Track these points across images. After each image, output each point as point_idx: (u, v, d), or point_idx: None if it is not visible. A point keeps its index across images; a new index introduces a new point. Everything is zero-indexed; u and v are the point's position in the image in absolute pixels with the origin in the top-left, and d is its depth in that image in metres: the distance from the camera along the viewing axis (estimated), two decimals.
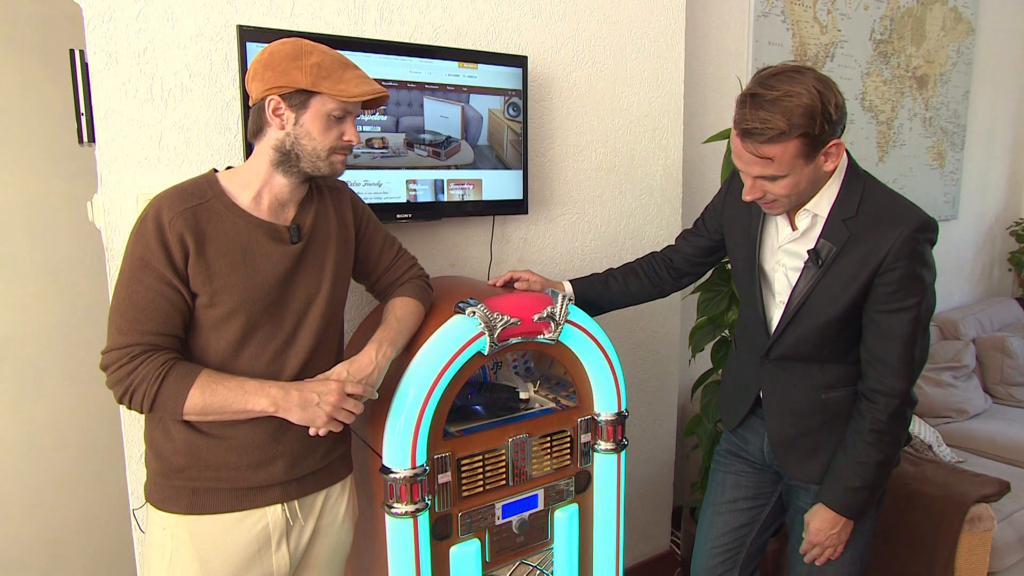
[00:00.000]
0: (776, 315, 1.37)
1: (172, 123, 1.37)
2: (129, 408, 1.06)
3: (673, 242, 1.64)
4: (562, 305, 1.41)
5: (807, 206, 1.26)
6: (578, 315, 1.46)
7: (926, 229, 1.20)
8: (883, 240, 1.19)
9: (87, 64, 1.29)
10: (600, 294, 1.59)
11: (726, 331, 2.03)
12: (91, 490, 2.16)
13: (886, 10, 3.02)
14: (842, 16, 2.83)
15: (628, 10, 2.00)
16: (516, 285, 1.53)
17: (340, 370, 1.16)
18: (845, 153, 1.25)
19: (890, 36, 3.06)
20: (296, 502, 1.20)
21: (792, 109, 1.10)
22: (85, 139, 1.32)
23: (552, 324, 1.40)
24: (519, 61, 1.70)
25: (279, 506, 1.17)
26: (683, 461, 2.47)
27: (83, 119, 1.31)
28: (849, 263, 1.22)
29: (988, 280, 3.99)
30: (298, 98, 1.08)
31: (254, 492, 1.15)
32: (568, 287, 1.58)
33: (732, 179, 1.49)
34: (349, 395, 1.13)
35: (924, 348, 1.24)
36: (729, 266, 1.82)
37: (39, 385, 2.06)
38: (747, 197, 1.23)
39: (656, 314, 2.24)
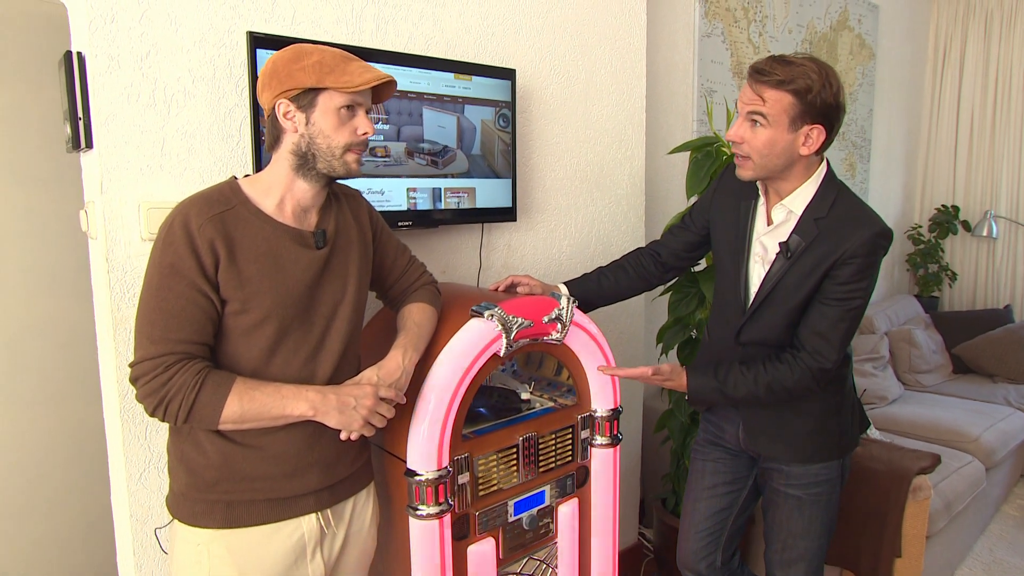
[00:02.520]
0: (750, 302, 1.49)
1: (175, 129, 1.33)
2: (163, 420, 1.03)
3: (659, 238, 1.75)
4: (568, 307, 1.48)
5: (784, 201, 1.40)
6: (580, 316, 1.53)
7: (884, 237, 1.35)
8: (846, 239, 1.34)
9: (84, 66, 1.23)
10: (593, 292, 1.67)
11: (694, 331, 2.17)
12: (44, 519, 2.00)
13: (806, 34, 3.32)
14: (771, 39, 3.09)
15: (596, 28, 2.11)
16: (519, 289, 1.58)
17: (370, 374, 1.17)
18: (826, 163, 1.41)
19: None
20: (329, 510, 1.19)
21: (799, 74, 1.26)
22: (83, 144, 1.26)
23: (559, 325, 1.47)
24: (509, 74, 1.76)
25: (314, 515, 1.17)
26: (649, 457, 2.59)
27: (80, 124, 1.25)
28: (814, 257, 1.36)
29: (891, 279, 4.43)
30: (306, 98, 1.08)
31: (289, 502, 1.14)
32: (564, 290, 1.65)
33: (721, 178, 1.61)
34: (382, 399, 1.14)
35: (852, 333, 1.39)
36: (699, 267, 1.96)
37: None
38: (728, 136, 1.37)
39: (623, 316, 2.35)
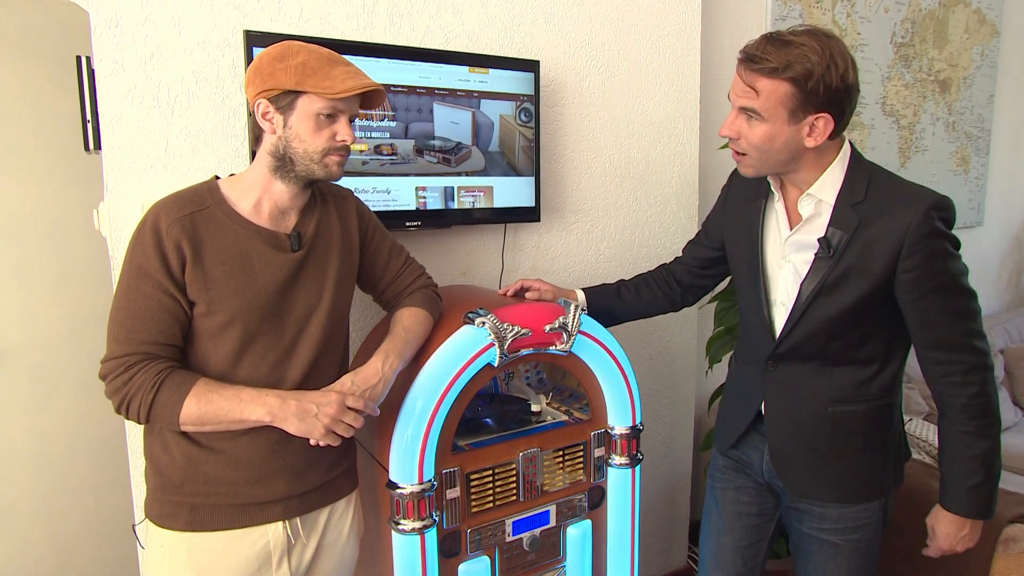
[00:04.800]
0: (779, 317, 1.30)
1: (178, 130, 1.35)
2: (127, 418, 1.04)
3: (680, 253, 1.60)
4: (574, 316, 1.37)
5: (811, 191, 1.21)
6: (591, 326, 1.41)
7: (941, 208, 1.13)
8: (897, 223, 1.12)
9: (93, 71, 1.28)
10: (613, 304, 1.54)
11: None
12: (101, 500, 2.14)
13: (907, 13, 2.95)
14: (862, 19, 2.77)
15: (643, 15, 1.97)
16: (527, 295, 1.49)
17: (345, 380, 1.13)
18: (849, 144, 1.22)
19: (911, 39, 3.00)
20: (298, 519, 1.16)
21: (797, 57, 1.08)
22: (91, 146, 1.30)
23: (564, 335, 1.36)
24: (531, 66, 1.66)
25: (280, 523, 1.14)
26: (700, 475, 2.41)
27: (89, 126, 1.29)
28: (863, 249, 1.16)
29: (1015, 289, 3.88)
30: (285, 99, 1.05)
31: (254, 508, 1.11)
32: (581, 295, 1.54)
33: (731, 183, 1.45)
34: (350, 408, 1.09)
35: (976, 311, 1.18)
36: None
37: (50, 393, 2.05)
38: (723, 132, 1.20)
39: (672, 324, 2.19)
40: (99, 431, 2.12)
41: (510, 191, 1.68)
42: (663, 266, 1.58)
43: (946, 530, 1.25)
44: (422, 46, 1.59)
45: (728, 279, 1.58)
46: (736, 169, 1.40)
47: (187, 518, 1.08)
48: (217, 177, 1.14)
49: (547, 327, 1.34)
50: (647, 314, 1.57)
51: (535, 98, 1.68)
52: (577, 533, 1.48)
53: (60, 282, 2.01)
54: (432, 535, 1.27)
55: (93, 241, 2.02)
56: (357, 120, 1.44)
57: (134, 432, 1.38)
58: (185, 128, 1.36)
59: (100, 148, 1.31)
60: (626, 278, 1.59)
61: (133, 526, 1.32)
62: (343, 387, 1.11)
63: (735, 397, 1.44)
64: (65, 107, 1.88)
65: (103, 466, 2.13)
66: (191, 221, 1.05)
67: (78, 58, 1.28)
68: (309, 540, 1.18)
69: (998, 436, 1.20)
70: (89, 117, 1.29)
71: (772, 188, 1.28)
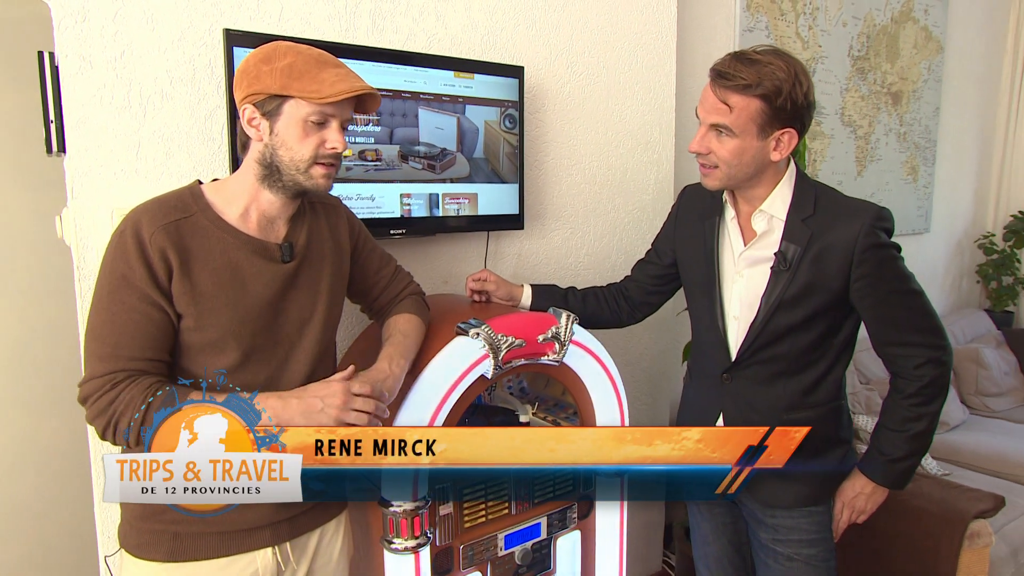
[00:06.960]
0: (732, 331, 1.34)
1: (151, 132, 1.27)
2: (114, 443, 0.96)
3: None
4: (567, 325, 1.35)
5: (763, 207, 1.26)
6: (581, 335, 1.40)
7: (883, 219, 1.21)
8: (844, 234, 1.19)
9: (57, 68, 1.19)
10: (557, 305, 1.53)
11: None
12: (51, 522, 2.01)
13: (863, 27, 3.07)
14: (822, 32, 2.86)
15: (621, 23, 1.98)
16: (471, 285, 1.48)
17: (348, 374, 1.06)
18: (793, 163, 1.28)
19: (867, 53, 3.11)
20: (288, 544, 1.10)
21: (766, 74, 1.13)
22: (55, 148, 1.21)
23: (557, 345, 1.34)
24: (516, 72, 1.64)
25: (269, 549, 1.08)
26: None
27: (52, 127, 1.20)
28: (815, 261, 1.22)
29: (957, 292, 4.08)
30: (271, 104, 0.99)
31: (242, 535, 1.05)
32: (527, 291, 1.52)
33: (680, 203, 1.49)
34: (356, 394, 1.02)
35: (930, 308, 1.24)
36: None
37: None
38: (692, 148, 1.23)
39: (650, 331, 2.20)
40: (48, 449, 1.98)
41: (494, 198, 1.66)
42: (613, 285, 1.59)
43: (850, 485, 1.33)
44: (405, 49, 1.55)
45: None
46: (685, 189, 1.48)
47: (169, 547, 1.02)
48: (200, 182, 1.08)
49: (540, 337, 1.32)
50: (588, 324, 1.56)
51: (520, 104, 1.66)
52: (567, 544, 1.47)
53: (6, 293, 1.88)
54: (426, 554, 1.23)
55: (46, 250, 1.89)
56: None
57: (99, 453, 1.29)
58: (158, 130, 1.28)
59: (64, 150, 1.22)
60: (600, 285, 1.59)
61: (105, 558, 1.23)
62: (344, 378, 1.04)
63: (692, 410, 1.48)
64: (20, 105, 1.76)
65: (53, 485, 2.00)
66: (176, 229, 0.98)
67: (40, 54, 1.19)
68: (299, 566, 1.12)
69: (931, 423, 1.26)
70: (52, 118, 1.20)
71: (727, 205, 1.32)
